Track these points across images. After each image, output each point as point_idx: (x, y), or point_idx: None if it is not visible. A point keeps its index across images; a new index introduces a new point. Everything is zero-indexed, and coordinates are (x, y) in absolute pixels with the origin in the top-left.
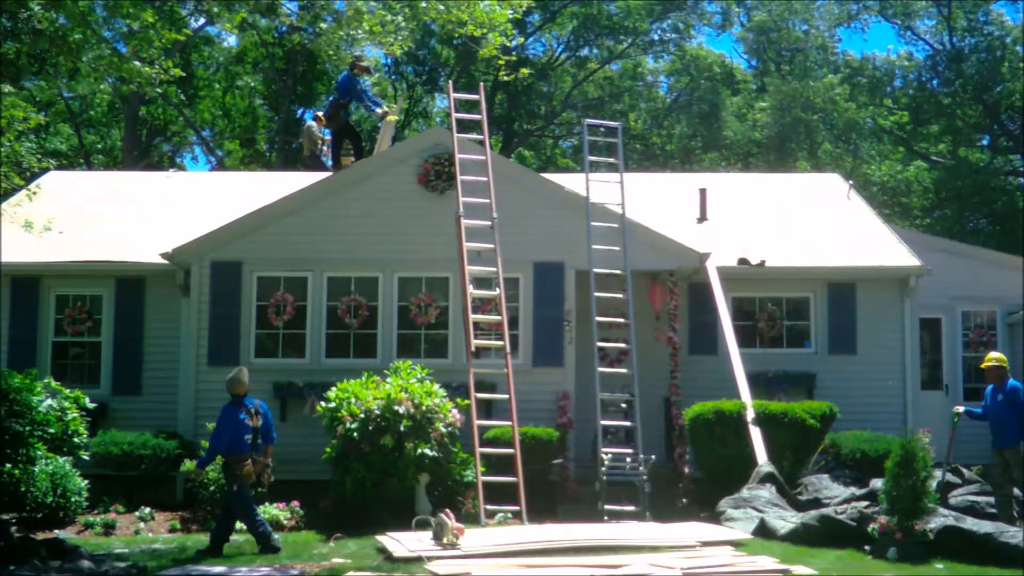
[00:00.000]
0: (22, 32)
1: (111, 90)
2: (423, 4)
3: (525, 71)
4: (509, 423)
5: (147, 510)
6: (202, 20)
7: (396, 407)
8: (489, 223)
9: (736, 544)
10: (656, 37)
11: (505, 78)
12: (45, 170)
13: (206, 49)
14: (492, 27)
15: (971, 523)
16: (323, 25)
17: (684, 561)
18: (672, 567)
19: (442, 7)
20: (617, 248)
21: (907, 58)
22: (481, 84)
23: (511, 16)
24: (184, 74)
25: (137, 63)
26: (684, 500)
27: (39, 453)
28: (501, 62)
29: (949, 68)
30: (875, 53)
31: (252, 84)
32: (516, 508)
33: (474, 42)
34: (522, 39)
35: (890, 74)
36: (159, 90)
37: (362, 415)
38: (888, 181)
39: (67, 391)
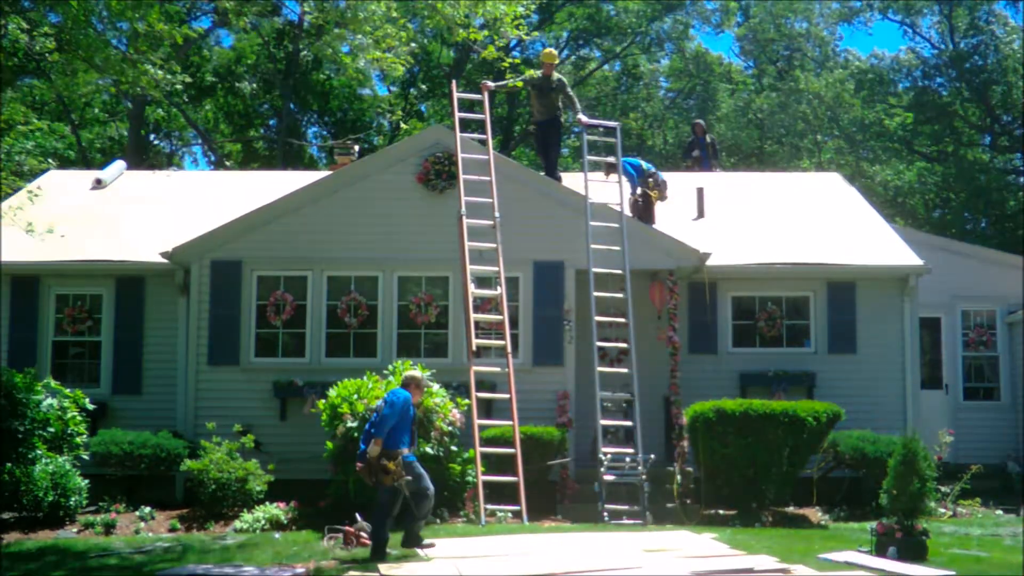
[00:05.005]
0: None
1: (114, 90)
2: (436, 3)
3: (519, 84)
4: (509, 423)
5: (147, 509)
6: (206, 22)
7: None
8: (491, 222)
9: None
10: (653, 37)
11: (510, 82)
12: (45, 170)
13: (206, 50)
14: (501, 24)
15: None
16: (330, 32)
17: (685, 560)
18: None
19: (450, 10)
20: (617, 248)
21: (912, 54)
22: (483, 84)
23: (523, 12)
24: (191, 79)
25: (149, 67)
26: (687, 500)
27: (39, 452)
28: (506, 64)
29: (951, 67)
30: (875, 50)
31: (252, 86)
32: (516, 508)
33: (475, 45)
34: (535, 32)
35: (894, 71)
36: (167, 90)
37: (363, 414)
38: (891, 181)
39: (67, 391)
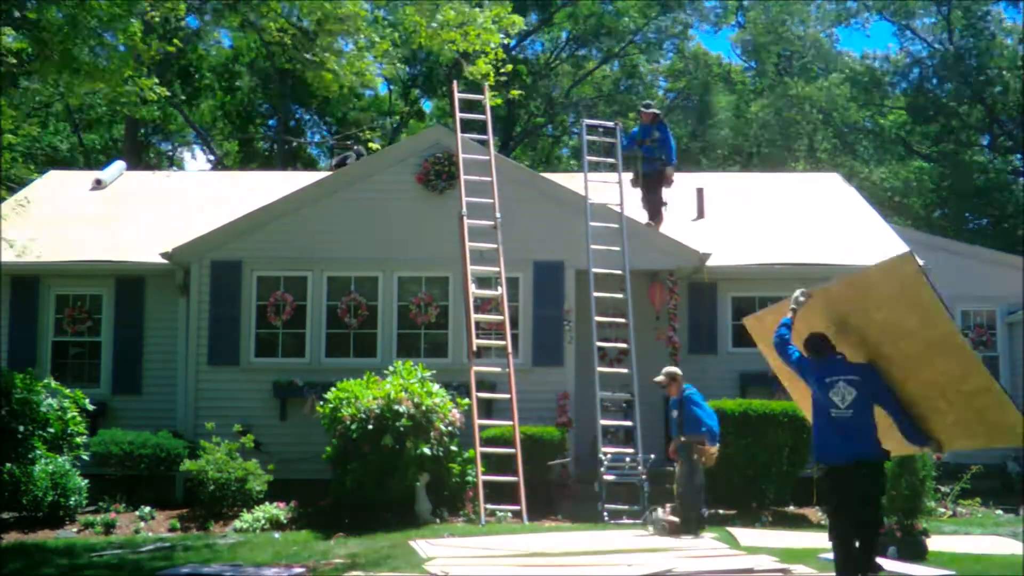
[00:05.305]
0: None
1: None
2: (413, 22)
3: (516, 92)
4: (509, 423)
5: (147, 509)
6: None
7: (396, 406)
8: (491, 223)
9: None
10: (653, 37)
11: (499, 98)
12: (45, 170)
13: (204, 49)
14: (483, 50)
15: None
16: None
17: (685, 560)
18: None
19: (434, 24)
20: (617, 248)
21: (909, 54)
22: (485, 84)
23: (503, 41)
24: (169, 93)
25: (126, 87)
26: None
27: (39, 452)
28: (491, 82)
29: (949, 68)
30: (875, 51)
31: (250, 83)
32: (516, 508)
33: (465, 57)
34: (510, 67)
35: (891, 73)
36: (149, 106)
37: (362, 415)
38: (887, 180)
39: (67, 391)
